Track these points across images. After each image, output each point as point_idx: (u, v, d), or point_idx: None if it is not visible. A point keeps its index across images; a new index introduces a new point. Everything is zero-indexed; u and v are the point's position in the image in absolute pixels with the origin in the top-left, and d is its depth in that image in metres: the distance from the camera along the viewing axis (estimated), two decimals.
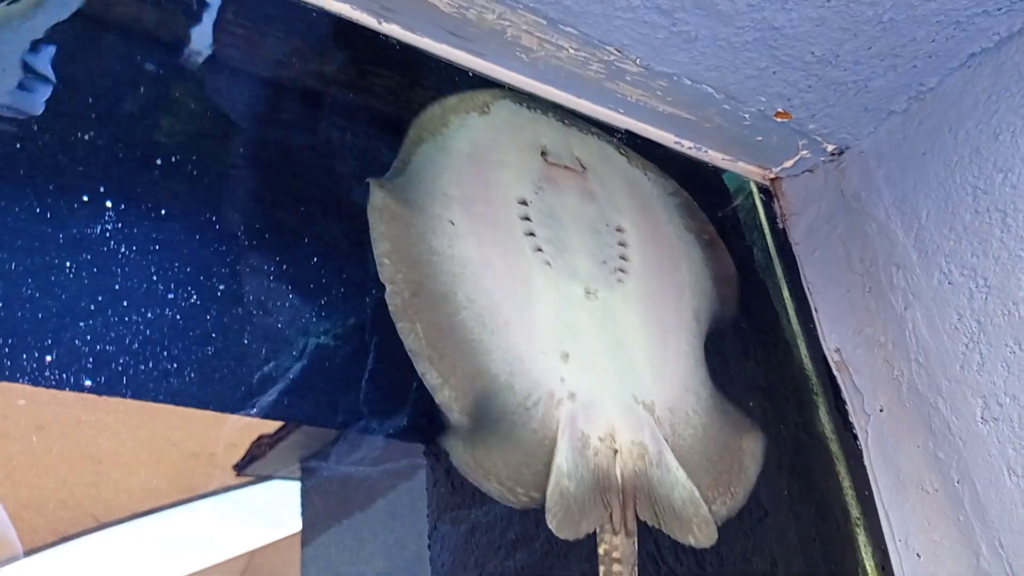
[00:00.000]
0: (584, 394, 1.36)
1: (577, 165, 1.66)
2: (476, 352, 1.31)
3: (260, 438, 1.37)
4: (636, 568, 1.26)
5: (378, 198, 1.35)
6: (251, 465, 1.36)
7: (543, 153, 1.63)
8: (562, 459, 1.27)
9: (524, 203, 1.52)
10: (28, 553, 1.10)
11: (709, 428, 1.48)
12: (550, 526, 1.20)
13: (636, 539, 1.27)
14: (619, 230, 1.62)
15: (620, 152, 1.79)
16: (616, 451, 1.32)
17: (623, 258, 1.59)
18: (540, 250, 1.48)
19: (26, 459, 1.12)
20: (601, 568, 1.24)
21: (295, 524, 1.39)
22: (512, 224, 1.48)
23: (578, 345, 1.41)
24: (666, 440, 1.39)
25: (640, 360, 1.47)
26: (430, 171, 1.47)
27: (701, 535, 1.33)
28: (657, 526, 1.31)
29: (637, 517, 1.30)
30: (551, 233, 1.51)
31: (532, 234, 1.48)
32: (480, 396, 1.28)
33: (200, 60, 1.48)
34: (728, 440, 1.50)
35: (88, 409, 1.18)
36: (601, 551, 1.25)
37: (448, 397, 1.25)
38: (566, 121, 1.74)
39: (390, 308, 1.27)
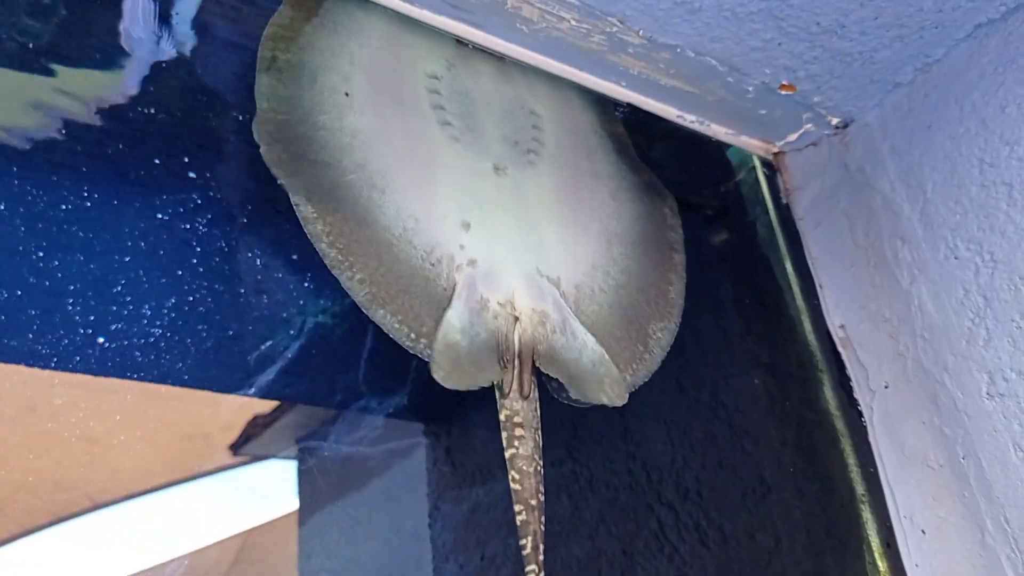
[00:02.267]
0: (485, 262, 1.33)
1: (495, 51, 1.62)
2: (364, 206, 1.25)
3: (256, 418, 1.36)
4: (539, 431, 1.25)
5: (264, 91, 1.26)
6: (247, 445, 1.34)
7: (459, 40, 1.58)
8: (454, 315, 1.24)
9: (434, 77, 1.47)
10: (24, 534, 1.10)
11: (615, 306, 1.47)
12: (435, 376, 1.18)
13: (537, 402, 1.27)
14: (534, 113, 1.59)
15: None
16: (516, 318, 1.30)
17: (536, 140, 1.55)
18: (448, 124, 1.44)
19: (20, 441, 1.11)
20: (504, 434, 1.23)
21: (292, 504, 1.38)
22: (419, 97, 1.44)
23: (482, 216, 1.37)
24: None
25: (549, 237, 1.45)
26: (335, 38, 1.41)
27: (613, 394, 1.34)
28: (564, 383, 1.31)
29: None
30: (461, 109, 1.47)
31: (441, 107, 1.44)
32: (369, 242, 1.22)
33: (186, 32, 1.45)
34: (636, 318, 1.49)
35: (82, 390, 1.16)
36: (502, 417, 1.24)
37: (320, 230, 1.19)
38: None
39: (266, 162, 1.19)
